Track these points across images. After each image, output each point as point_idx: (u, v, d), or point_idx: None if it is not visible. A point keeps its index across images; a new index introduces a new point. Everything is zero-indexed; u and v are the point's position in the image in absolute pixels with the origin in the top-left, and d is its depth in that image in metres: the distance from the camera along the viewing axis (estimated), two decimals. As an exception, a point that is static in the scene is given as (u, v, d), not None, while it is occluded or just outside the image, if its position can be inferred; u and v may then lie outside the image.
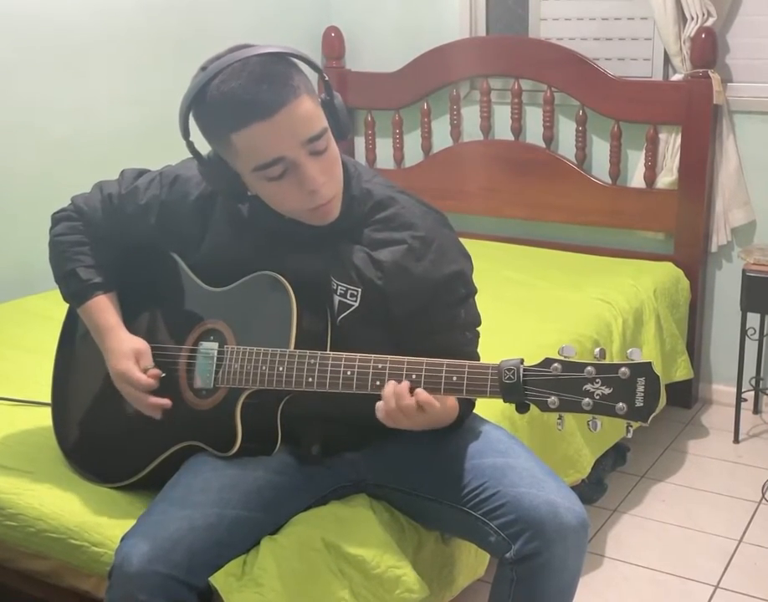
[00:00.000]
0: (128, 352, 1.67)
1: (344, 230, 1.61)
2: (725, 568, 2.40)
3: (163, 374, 1.66)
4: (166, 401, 1.64)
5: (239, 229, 1.64)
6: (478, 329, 1.68)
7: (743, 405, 3.09)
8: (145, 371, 1.65)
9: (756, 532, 2.57)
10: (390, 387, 1.47)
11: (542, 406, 1.39)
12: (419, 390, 1.46)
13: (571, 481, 2.31)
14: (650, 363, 1.35)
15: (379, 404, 1.48)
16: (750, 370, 3.12)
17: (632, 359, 1.35)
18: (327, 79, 1.54)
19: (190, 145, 1.53)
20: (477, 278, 1.68)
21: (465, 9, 3.56)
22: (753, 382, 3.16)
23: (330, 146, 1.50)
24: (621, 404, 1.35)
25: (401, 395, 1.46)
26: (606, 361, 1.37)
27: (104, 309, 1.72)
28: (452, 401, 1.58)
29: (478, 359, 1.66)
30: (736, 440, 3.08)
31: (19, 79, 2.82)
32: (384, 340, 1.62)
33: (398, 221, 1.61)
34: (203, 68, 1.45)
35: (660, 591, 2.33)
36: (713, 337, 3.36)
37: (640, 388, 1.34)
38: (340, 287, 1.61)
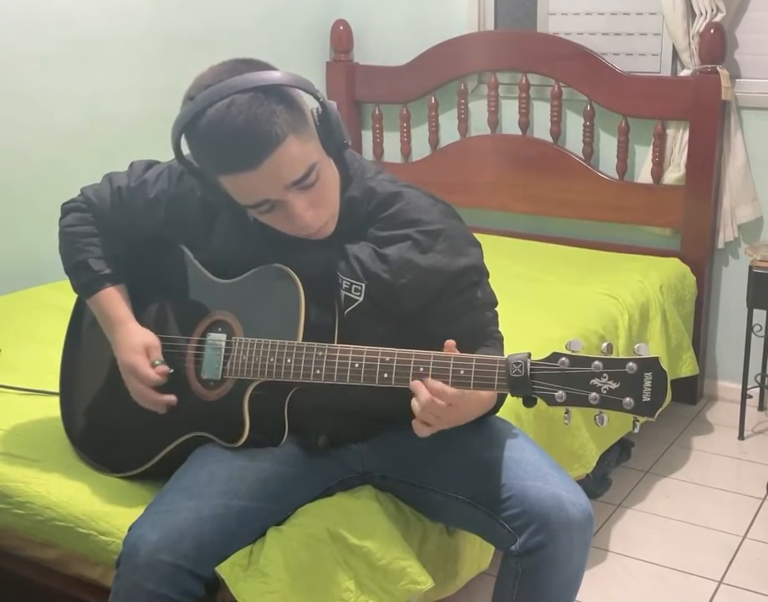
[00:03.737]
0: (138, 346, 1.67)
1: (347, 228, 1.61)
2: (729, 564, 2.41)
3: (171, 371, 1.67)
4: (171, 398, 1.65)
5: (247, 223, 1.64)
6: (496, 309, 1.68)
7: (748, 401, 3.09)
8: (153, 366, 1.66)
9: (760, 528, 2.57)
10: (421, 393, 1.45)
11: (549, 400, 1.39)
12: (429, 380, 1.45)
13: (576, 475, 2.31)
14: (657, 358, 1.35)
15: (415, 420, 1.47)
16: (755, 367, 3.11)
17: (639, 354, 1.35)
18: (322, 99, 1.49)
19: (188, 166, 1.52)
20: (482, 273, 1.68)
21: (474, 3, 3.55)
22: (758, 379, 3.15)
23: (322, 176, 1.49)
24: (628, 398, 1.35)
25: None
26: (614, 356, 1.37)
27: (114, 301, 1.72)
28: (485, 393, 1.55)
29: (501, 337, 1.67)
30: (741, 436, 3.09)
31: (30, 71, 2.83)
32: (390, 334, 1.62)
33: (402, 218, 1.61)
34: (191, 98, 1.43)
35: (663, 586, 2.33)
36: (718, 333, 3.36)
37: (647, 383, 1.34)
38: (344, 281, 1.62)
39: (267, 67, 1.46)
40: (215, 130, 1.40)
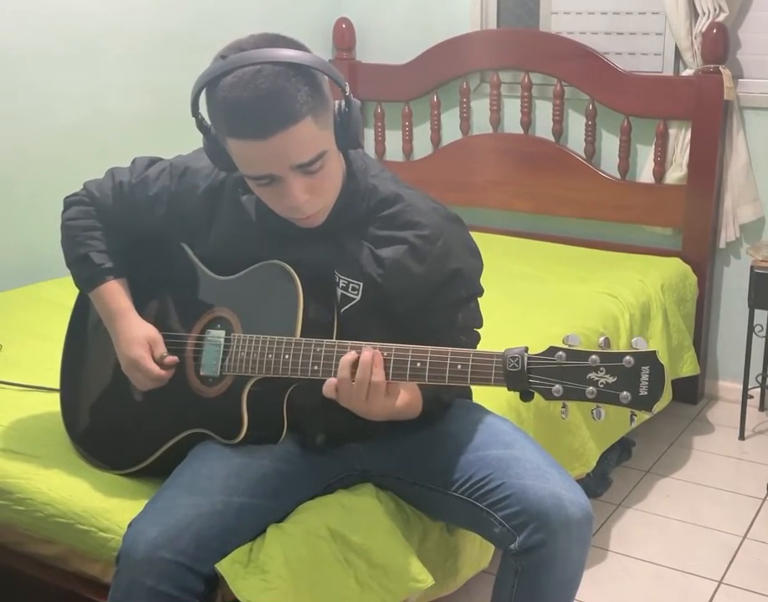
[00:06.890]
0: (141, 339, 1.67)
1: (346, 225, 1.61)
2: (729, 564, 2.40)
3: (178, 360, 1.67)
4: (173, 358, 1.67)
5: (246, 221, 1.64)
6: (478, 330, 1.68)
7: (749, 401, 3.09)
8: (161, 359, 1.66)
9: (760, 528, 2.57)
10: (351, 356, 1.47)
11: (546, 394, 1.39)
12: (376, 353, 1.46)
13: (576, 474, 2.31)
14: (655, 351, 1.34)
15: (330, 379, 1.48)
16: (756, 367, 3.11)
17: (636, 348, 1.35)
18: (348, 93, 1.50)
19: (199, 122, 1.53)
20: (484, 271, 1.67)
21: (476, 2, 3.55)
22: (759, 379, 3.15)
23: (327, 166, 1.49)
24: (625, 392, 1.34)
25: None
26: (611, 350, 1.36)
27: (116, 294, 1.73)
28: (410, 397, 1.58)
29: None
30: (741, 436, 3.08)
31: (31, 66, 2.83)
32: (385, 334, 1.62)
33: (402, 219, 1.61)
34: (223, 57, 1.44)
35: (663, 586, 2.33)
36: (720, 333, 3.36)
37: (644, 377, 1.33)
38: (342, 280, 1.61)
39: (303, 48, 1.46)
40: (237, 91, 1.39)
